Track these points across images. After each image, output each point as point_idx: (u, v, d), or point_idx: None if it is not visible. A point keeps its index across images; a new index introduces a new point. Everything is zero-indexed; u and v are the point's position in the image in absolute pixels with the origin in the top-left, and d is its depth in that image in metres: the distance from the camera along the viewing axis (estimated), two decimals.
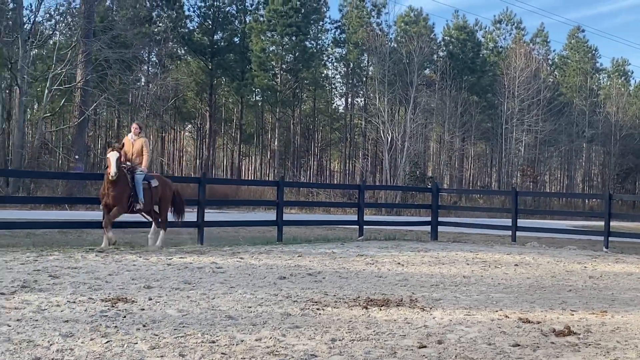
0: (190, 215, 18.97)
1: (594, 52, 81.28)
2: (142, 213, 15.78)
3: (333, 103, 72.99)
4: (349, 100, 71.52)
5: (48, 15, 45.43)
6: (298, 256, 14.79)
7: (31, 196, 30.42)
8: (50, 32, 45.82)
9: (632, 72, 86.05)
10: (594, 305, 9.76)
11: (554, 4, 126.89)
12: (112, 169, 14.17)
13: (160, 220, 15.92)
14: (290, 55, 62.09)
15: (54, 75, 39.37)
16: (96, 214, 17.85)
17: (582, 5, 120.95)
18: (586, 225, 31.36)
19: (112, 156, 14.30)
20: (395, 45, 63.62)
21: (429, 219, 23.08)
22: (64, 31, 47.48)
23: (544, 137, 67.96)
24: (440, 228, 22.68)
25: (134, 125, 16.13)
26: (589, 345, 7.14)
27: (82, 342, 6.43)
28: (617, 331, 7.92)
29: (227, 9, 61.73)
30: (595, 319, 8.67)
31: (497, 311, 8.91)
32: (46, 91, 40.09)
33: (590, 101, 76.45)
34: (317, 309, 8.60)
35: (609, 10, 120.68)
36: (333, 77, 70.64)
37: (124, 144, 15.70)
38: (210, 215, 20.48)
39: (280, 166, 61.99)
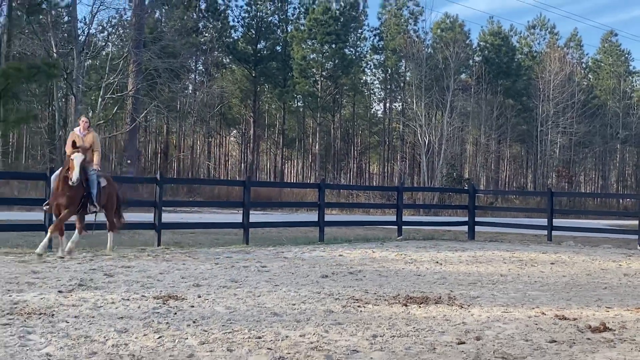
0: (236, 216, 19.05)
1: (627, 55, 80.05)
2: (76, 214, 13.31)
3: (372, 108, 72.69)
4: (387, 105, 71.34)
5: (101, 27, 46.03)
6: (339, 255, 14.81)
7: None
8: (103, 44, 46.36)
9: None
10: (629, 302, 9.63)
11: (587, 9, 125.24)
12: (75, 174, 12.12)
13: (109, 222, 14.12)
14: (330, 62, 62.07)
15: (107, 85, 39.89)
16: (146, 216, 17.85)
17: (615, 10, 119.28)
18: (621, 225, 30.88)
19: (77, 158, 12.22)
20: (432, 51, 63.31)
21: (466, 219, 22.93)
22: (115, 42, 48.13)
23: (578, 139, 67.20)
24: (477, 228, 22.51)
25: (83, 119, 13.96)
26: (624, 341, 7.05)
27: (135, 338, 6.51)
28: None
29: (269, 19, 61.99)
30: (630, 315, 8.56)
31: (533, 308, 8.84)
32: (99, 99, 40.66)
33: (624, 103, 75.52)
34: (358, 306, 8.61)
35: (634, 15, 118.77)
36: (372, 83, 70.45)
37: (74, 141, 13.03)
38: (255, 216, 20.60)
39: (321, 169, 61.96)
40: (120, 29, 47.26)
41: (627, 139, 74.17)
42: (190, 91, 56.07)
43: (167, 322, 7.26)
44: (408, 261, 14.18)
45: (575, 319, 8.11)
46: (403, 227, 21.37)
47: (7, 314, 7.42)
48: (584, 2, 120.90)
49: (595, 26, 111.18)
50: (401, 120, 65.49)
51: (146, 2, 45.09)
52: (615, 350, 6.63)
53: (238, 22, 61.55)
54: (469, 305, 8.90)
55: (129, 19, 44.78)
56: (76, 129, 13.91)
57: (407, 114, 63.90)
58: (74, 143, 12.77)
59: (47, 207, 13.39)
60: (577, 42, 77.54)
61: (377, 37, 66.92)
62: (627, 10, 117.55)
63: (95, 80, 44.34)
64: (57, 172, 13.24)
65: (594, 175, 78.95)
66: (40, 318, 7.24)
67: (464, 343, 6.73)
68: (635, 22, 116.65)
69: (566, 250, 17.97)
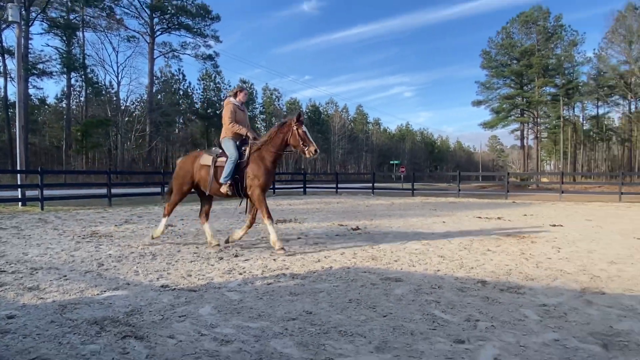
0: None
1: (366, 115, 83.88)
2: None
3: None
4: None
5: (132, 102, 42.65)
6: (277, 205, 14.49)
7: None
8: (133, 110, 42.83)
9: (382, 124, 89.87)
10: (367, 217, 10.09)
11: (352, 95, 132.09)
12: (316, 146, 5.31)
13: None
14: None
15: (135, 129, 36.92)
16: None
17: (361, 97, 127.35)
18: (365, 185, 31.96)
19: (307, 130, 5.33)
20: (286, 113, 63.43)
21: (302, 185, 22.27)
22: (139, 109, 44.52)
23: (348, 150, 70.08)
24: (307, 190, 22.14)
25: (245, 91, 5.72)
26: (367, 233, 7.39)
27: (146, 243, 6.15)
28: (377, 227, 8.25)
29: (213, 98, 59.28)
30: (368, 222, 8.99)
31: (329, 222, 9.11)
32: (132, 136, 37.53)
33: (366, 135, 79.38)
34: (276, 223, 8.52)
35: (371, 98, 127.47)
36: (260, 128, 69.17)
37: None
38: None
39: None
40: (142, 102, 43.79)
41: (367, 150, 78.43)
42: (176, 131, 52.87)
43: (167, 235, 6.88)
44: (278, 204, 14.17)
45: (346, 225, 8.45)
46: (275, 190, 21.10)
47: (89, 236, 6.80)
48: (352, 92, 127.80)
49: (354, 102, 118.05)
50: None
51: (154, 90, 41.92)
52: (362, 237, 6.96)
53: (199, 99, 58.39)
54: (303, 222, 9.05)
55: (146, 97, 41.45)
56: (232, 99, 5.70)
57: None
58: (299, 114, 5.55)
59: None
60: (346, 110, 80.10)
61: (262, 107, 65.81)
62: (367, 96, 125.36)
63: (129, 127, 40.65)
64: (237, 150, 5.59)
65: (356, 166, 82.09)
66: (105, 238, 6.69)
67: (300, 238, 6.87)
68: (371, 101, 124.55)
69: (344, 197, 18.57)
